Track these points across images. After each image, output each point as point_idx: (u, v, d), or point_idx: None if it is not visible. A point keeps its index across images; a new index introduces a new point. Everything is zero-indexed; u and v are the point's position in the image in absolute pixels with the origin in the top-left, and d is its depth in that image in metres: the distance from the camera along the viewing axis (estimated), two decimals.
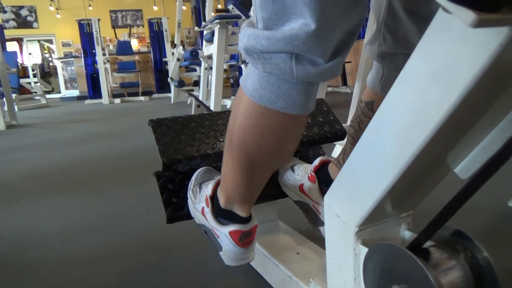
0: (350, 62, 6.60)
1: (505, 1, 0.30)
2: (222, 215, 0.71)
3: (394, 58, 0.72)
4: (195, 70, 6.36)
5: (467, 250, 0.51)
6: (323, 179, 0.79)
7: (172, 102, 6.41)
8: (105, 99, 7.18)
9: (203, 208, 0.75)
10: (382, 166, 0.49)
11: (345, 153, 0.78)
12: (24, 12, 11.11)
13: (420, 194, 0.57)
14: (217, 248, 0.73)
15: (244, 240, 0.69)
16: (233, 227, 0.68)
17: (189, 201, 0.84)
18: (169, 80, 6.27)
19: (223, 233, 0.70)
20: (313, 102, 0.54)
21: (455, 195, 0.44)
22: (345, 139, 0.96)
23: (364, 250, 0.55)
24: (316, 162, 0.81)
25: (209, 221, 0.73)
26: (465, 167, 0.50)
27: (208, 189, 0.75)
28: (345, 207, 0.57)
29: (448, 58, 0.38)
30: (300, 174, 0.84)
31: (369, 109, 0.76)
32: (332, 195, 0.60)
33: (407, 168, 0.46)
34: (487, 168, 0.42)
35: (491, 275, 0.49)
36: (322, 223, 0.77)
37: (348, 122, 2.48)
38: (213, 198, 0.74)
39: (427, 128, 0.42)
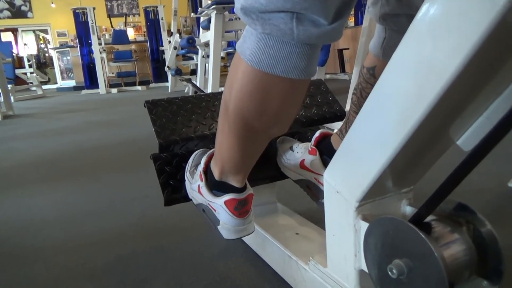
0: (348, 48, 6.55)
1: None
2: (217, 187, 0.71)
3: (397, 20, 0.70)
4: (192, 59, 6.31)
5: (469, 224, 0.50)
6: (325, 151, 0.78)
7: (169, 91, 6.36)
8: (102, 89, 7.15)
9: (199, 185, 0.74)
10: (384, 137, 0.47)
11: (348, 122, 0.76)
12: (18, 2, 10.96)
13: (422, 168, 0.56)
14: (215, 223, 0.72)
15: (240, 209, 0.67)
16: (228, 197, 0.67)
17: (186, 183, 0.83)
18: (166, 69, 6.21)
19: (219, 204, 0.68)
20: (314, 66, 0.52)
21: (457, 166, 0.43)
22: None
23: (364, 226, 0.54)
24: (317, 134, 0.80)
25: (204, 195, 0.72)
26: (468, 138, 0.49)
27: (201, 164, 0.75)
28: (345, 182, 0.56)
29: (454, 16, 0.36)
30: (300, 151, 0.83)
31: (371, 75, 0.75)
32: (331, 171, 0.59)
33: (409, 139, 0.45)
34: (490, 138, 0.40)
35: (495, 249, 0.48)
36: None
37: (347, 108, 2.47)
38: (207, 172, 0.73)
39: (430, 95, 0.40)
